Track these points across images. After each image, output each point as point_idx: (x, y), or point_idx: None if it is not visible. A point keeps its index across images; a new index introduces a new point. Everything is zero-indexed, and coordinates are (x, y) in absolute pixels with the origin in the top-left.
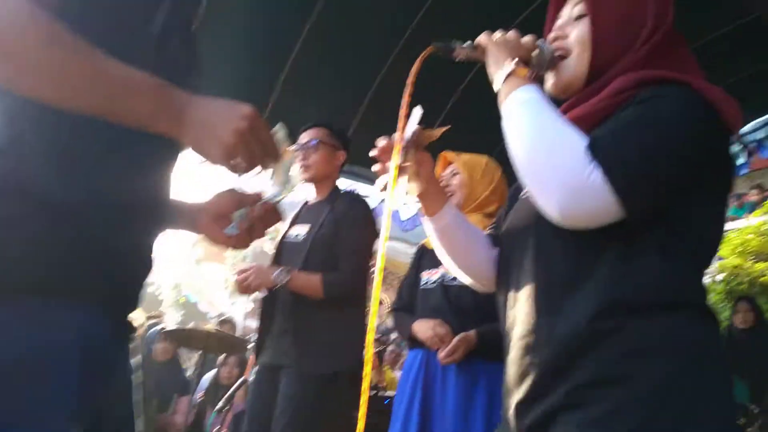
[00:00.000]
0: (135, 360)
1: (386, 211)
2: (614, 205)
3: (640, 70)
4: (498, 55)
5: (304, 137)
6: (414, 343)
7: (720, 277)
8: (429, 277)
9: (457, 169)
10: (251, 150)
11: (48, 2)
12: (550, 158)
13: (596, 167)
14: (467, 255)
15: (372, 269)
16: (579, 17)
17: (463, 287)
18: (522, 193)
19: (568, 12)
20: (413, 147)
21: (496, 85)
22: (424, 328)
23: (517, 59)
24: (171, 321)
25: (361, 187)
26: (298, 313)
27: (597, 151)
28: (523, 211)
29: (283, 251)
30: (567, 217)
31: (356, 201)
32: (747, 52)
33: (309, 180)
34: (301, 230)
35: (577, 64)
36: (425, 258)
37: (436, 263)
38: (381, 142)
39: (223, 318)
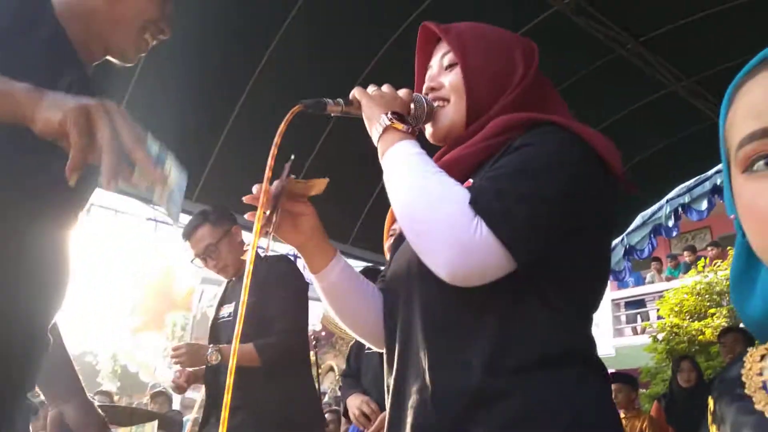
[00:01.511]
0: None
1: (248, 262)
2: (504, 259)
3: (513, 113)
4: (373, 110)
5: (196, 245)
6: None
7: (661, 336)
8: None
9: None
10: (82, 127)
11: None
12: (435, 214)
13: (480, 221)
14: (356, 315)
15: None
16: (449, 66)
17: None
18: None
19: (437, 62)
20: (283, 199)
21: (374, 140)
22: (353, 404)
23: (391, 113)
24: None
25: None
26: (244, 388)
27: (480, 204)
28: (404, 261)
29: (217, 332)
30: (457, 275)
31: (275, 262)
32: (668, 122)
33: (233, 276)
34: (229, 309)
35: (455, 110)
36: None
37: None
38: (255, 188)
39: (156, 390)
